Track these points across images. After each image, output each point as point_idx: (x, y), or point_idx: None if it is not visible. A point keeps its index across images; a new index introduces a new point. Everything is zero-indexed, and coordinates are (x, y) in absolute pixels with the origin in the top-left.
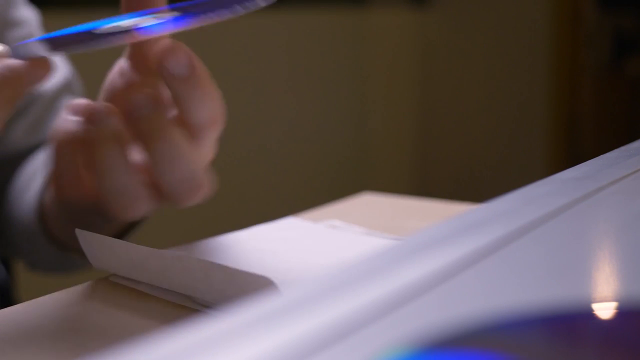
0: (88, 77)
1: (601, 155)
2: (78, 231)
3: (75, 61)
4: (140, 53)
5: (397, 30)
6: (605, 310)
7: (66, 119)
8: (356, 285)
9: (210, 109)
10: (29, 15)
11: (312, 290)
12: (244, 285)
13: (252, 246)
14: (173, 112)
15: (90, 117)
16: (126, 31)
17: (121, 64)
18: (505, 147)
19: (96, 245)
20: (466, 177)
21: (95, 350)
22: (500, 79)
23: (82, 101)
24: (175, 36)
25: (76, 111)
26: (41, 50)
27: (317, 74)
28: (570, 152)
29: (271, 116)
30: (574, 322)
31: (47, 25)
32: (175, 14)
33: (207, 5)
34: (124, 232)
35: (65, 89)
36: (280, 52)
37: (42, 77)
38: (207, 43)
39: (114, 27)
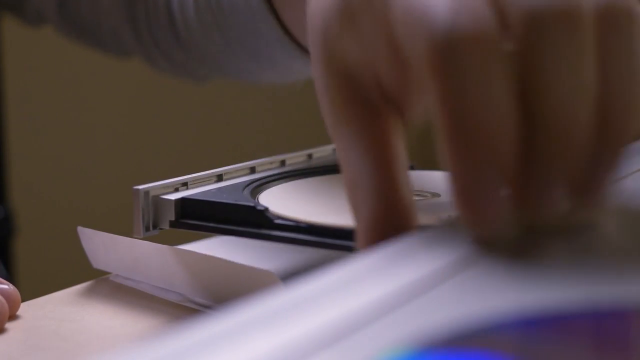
0: None
1: None
2: (80, 229)
3: None
4: None
5: None
6: (605, 310)
7: None
8: (356, 285)
9: None
10: None
11: (312, 290)
12: (247, 279)
13: (253, 243)
14: None
15: None
16: None
17: None
18: None
19: (97, 242)
20: None
21: (95, 350)
22: None
23: None
24: None
25: None
26: None
27: None
28: None
29: (270, 115)
30: (574, 322)
31: None
32: None
33: None
34: None
35: None
36: None
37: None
38: None
39: None
